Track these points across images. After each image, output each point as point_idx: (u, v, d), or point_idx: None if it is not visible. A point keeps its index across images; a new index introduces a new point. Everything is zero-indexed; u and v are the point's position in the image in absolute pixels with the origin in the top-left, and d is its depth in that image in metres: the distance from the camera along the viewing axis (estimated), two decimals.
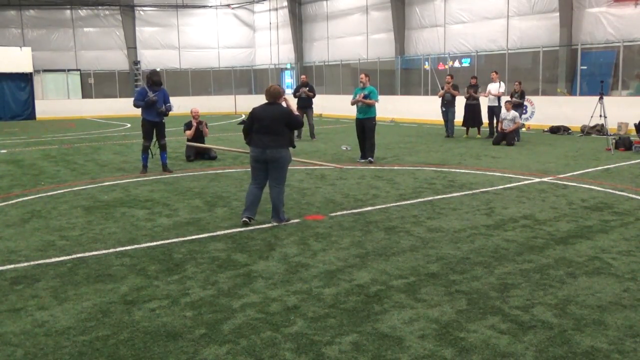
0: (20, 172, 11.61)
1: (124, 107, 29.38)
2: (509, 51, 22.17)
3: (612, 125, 16.35)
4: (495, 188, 9.00)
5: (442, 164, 11.69)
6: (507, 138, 14.77)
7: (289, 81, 35.45)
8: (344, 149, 14.43)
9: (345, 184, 9.54)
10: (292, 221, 7.09)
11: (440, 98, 17.46)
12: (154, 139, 11.04)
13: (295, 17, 33.39)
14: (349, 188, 9.20)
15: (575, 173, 10.32)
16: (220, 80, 35.67)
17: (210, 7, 36.32)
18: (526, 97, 17.62)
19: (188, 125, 13.15)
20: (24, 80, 30.80)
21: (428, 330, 3.94)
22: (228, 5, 36.35)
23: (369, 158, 12.20)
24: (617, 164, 11.30)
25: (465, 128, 17.35)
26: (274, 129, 6.72)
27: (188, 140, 12.74)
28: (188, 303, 4.52)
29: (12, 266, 5.53)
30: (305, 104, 17.27)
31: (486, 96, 16.50)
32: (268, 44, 35.98)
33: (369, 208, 7.77)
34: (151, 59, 34.64)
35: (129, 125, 24.68)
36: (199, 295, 4.67)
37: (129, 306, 4.48)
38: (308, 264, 5.44)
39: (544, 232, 6.41)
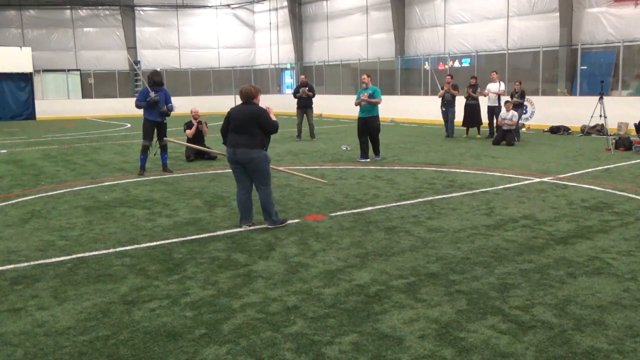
0: (20, 172, 11.61)
1: (124, 107, 29.41)
2: (509, 51, 22.18)
3: (612, 125, 16.34)
4: (495, 188, 9.00)
5: (442, 164, 11.69)
6: (507, 138, 14.76)
7: (289, 81, 35.46)
8: (344, 149, 14.44)
9: (345, 184, 9.54)
10: (292, 221, 7.09)
11: (440, 98, 17.47)
12: (155, 139, 11.04)
13: (295, 17, 33.40)
14: (349, 188, 9.20)
15: (575, 173, 10.32)
16: (220, 80, 35.68)
17: (210, 7, 36.33)
18: (526, 97, 17.61)
19: (188, 125, 13.15)
20: (24, 80, 30.82)
21: (428, 330, 3.94)
22: (228, 5, 36.36)
23: (376, 157, 12.38)
24: (617, 164, 11.30)
25: (465, 128, 17.35)
26: (245, 129, 6.59)
27: (188, 140, 12.74)
28: (188, 303, 4.52)
29: (12, 266, 5.53)
30: (305, 104, 17.27)
31: (485, 95, 16.50)
32: (268, 44, 35.99)
33: (369, 208, 7.77)
34: (151, 59, 34.65)
35: (129, 125, 24.68)
36: (199, 295, 4.67)
37: (129, 306, 4.48)
38: (308, 264, 5.44)
39: (544, 232, 6.41)
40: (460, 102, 17.38)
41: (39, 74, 31.57)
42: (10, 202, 8.60)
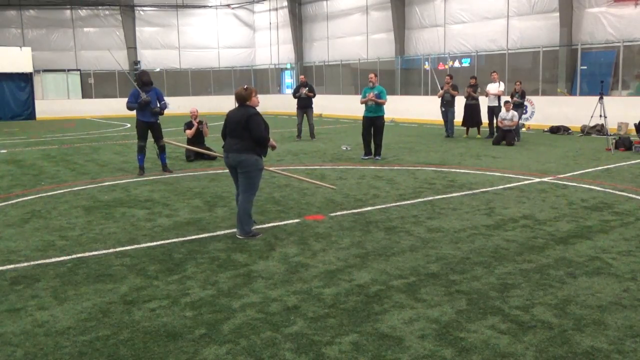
0: (20, 172, 11.61)
1: (124, 107, 29.29)
2: (509, 51, 22.18)
3: (612, 125, 16.35)
4: (495, 188, 9.00)
5: (442, 164, 11.69)
6: (507, 138, 14.76)
7: (289, 81, 35.46)
8: (344, 149, 14.44)
9: (345, 184, 9.54)
10: (292, 221, 7.09)
11: (440, 98, 17.47)
12: (152, 140, 11.05)
13: (295, 17, 33.40)
14: (349, 188, 9.20)
15: (575, 173, 10.32)
16: (220, 80, 35.68)
17: (210, 7, 36.34)
18: (526, 97, 17.61)
19: (189, 125, 13.15)
20: (24, 80, 30.82)
21: (428, 330, 3.94)
22: (228, 5, 36.37)
23: (377, 157, 12.49)
24: (617, 164, 11.30)
25: (465, 128, 17.35)
26: (236, 132, 6.40)
27: (188, 140, 12.75)
28: (188, 303, 4.52)
29: (12, 266, 5.53)
30: (306, 104, 17.27)
31: (485, 96, 16.50)
32: (268, 44, 35.99)
33: (369, 208, 7.77)
34: (151, 59, 34.66)
35: (128, 125, 24.67)
36: (199, 295, 4.67)
37: (129, 306, 4.48)
38: (308, 264, 5.44)
39: (544, 232, 6.41)
40: (460, 102, 17.38)
41: (39, 74, 31.57)
42: (10, 202, 8.60)
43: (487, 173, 10.49)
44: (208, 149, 12.07)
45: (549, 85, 21.21)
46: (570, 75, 20.28)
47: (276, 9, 34.89)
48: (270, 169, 8.44)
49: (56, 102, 31.89)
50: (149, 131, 10.94)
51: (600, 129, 16.28)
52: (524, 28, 21.83)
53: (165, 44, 35.49)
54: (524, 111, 18.21)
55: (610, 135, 14.55)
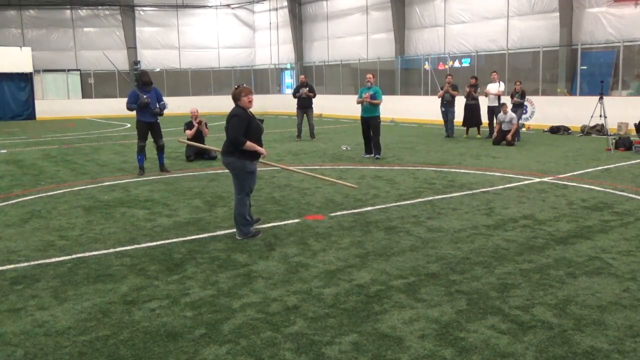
0: (20, 172, 11.61)
1: (124, 107, 29.30)
2: (509, 51, 22.17)
3: (612, 125, 16.34)
4: (495, 188, 9.00)
5: (442, 164, 11.69)
6: (507, 138, 14.75)
7: (289, 81, 35.46)
8: (344, 149, 14.44)
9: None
10: (292, 221, 7.09)
11: (440, 98, 17.47)
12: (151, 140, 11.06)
13: (295, 17, 33.40)
14: (348, 188, 9.19)
15: (575, 173, 10.32)
16: (220, 80, 35.67)
17: (210, 7, 36.33)
18: (526, 97, 17.60)
19: (189, 125, 13.16)
20: (24, 80, 30.81)
21: (428, 330, 3.94)
22: (228, 5, 36.36)
23: (377, 155, 12.61)
24: (617, 164, 11.30)
25: (465, 128, 17.35)
26: (225, 132, 6.31)
27: (188, 139, 12.75)
28: (188, 303, 4.52)
29: (12, 266, 5.53)
30: (306, 104, 17.28)
31: (485, 96, 16.50)
32: (268, 44, 35.99)
33: (369, 208, 7.77)
34: (151, 59, 34.65)
35: (129, 125, 24.67)
36: (199, 295, 4.67)
37: (129, 306, 4.48)
38: (308, 264, 5.44)
39: (544, 232, 6.41)
40: (460, 102, 17.38)
41: (39, 74, 31.56)
42: (10, 202, 8.60)
43: (487, 173, 10.49)
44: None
45: (549, 85, 21.20)
46: (570, 75, 20.28)
47: (276, 9, 34.89)
48: (290, 168, 8.47)
49: (56, 102, 31.88)
50: (149, 131, 10.95)
51: (600, 129, 16.28)
52: (524, 28, 21.82)
53: (165, 44, 35.48)
54: (524, 111, 18.21)
55: (610, 135, 14.55)
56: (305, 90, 17.24)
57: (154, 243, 6.25)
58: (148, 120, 10.86)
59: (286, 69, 35.19)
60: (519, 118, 16.40)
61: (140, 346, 3.80)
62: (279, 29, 34.91)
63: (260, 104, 28.12)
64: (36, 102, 31.11)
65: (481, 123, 16.96)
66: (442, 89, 17.57)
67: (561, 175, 10.08)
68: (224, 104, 33.41)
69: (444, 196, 8.42)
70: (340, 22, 30.73)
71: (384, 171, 10.92)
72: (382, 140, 12.91)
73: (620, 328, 3.93)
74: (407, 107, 24.53)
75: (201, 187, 9.58)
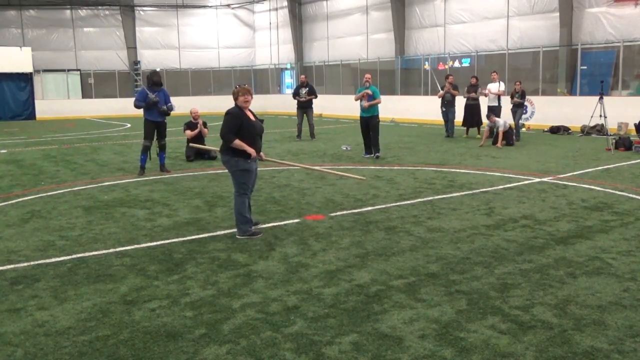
0: (20, 172, 11.61)
1: (124, 107, 29.40)
2: (509, 51, 22.17)
3: (612, 125, 16.34)
4: (495, 188, 9.00)
5: (442, 164, 11.69)
6: (505, 137, 14.73)
7: (289, 81, 35.46)
8: (344, 149, 14.44)
9: (345, 184, 9.54)
10: (292, 221, 7.09)
11: (440, 98, 17.47)
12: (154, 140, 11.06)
13: (295, 17, 33.40)
14: (349, 188, 9.19)
15: (575, 173, 10.32)
16: (220, 80, 35.67)
17: (210, 7, 36.33)
18: (526, 97, 17.60)
19: (189, 125, 13.17)
20: (24, 80, 30.81)
21: (428, 330, 3.94)
22: (228, 5, 36.36)
23: (377, 154, 12.73)
24: (617, 164, 11.30)
25: (465, 128, 17.35)
26: None
27: (188, 140, 12.75)
28: (188, 303, 4.52)
29: (12, 266, 5.53)
30: (306, 104, 17.29)
31: (486, 95, 16.49)
32: (268, 44, 35.99)
33: (369, 208, 7.77)
34: (151, 59, 34.65)
35: (129, 125, 24.68)
36: (199, 295, 4.67)
37: (129, 306, 4.48)
38: (308, 264, 5.44)
39: (544, 232, 6.41)
40: (460, 102, 17.38)
41: (39, 74, 31.56)
42: (10, 202, 8.60)
43: (487, 173, 10.49)
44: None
45: (549, 85, 21.20)
46: (570, 75, 20.28)
47: (276, 9, 34.88)
48: (294, 164, 8.51)
49: (56, 102, 31.88)
50: (156, 130, 10.95)
51: (600, 129, 16.27)
52: (524, 28, 21.82)
53: (165, 44, 35.48)
54: (524, 111, 18.20)
55: (610, 135, 14.54)
56: (305, 90, 17.25)
57: (154, 243, 6.25)
58: (155, 119, 10.86)
59: (286, 69, 35.19)
60: (519, 118, 16.41)
61: (140, 346, 3.80)
62: (279, 29, 34.91)
63: (260, 104, 28.13)
64: (36, 102, 31.12)
65: (481, 123, 16.94)
66: (442, 89, 17.57)
67: (561, 175, 10.08)
68: (224, 104, 33.19)
69: (444, 196, 8.42)
70: (340, 22, 30.73)
71: (384, 171, 10.92)
72: (382, 141, 12.94)
73: (620, 328, 3.93)
74: (407, 107, 24.53)
75: (201, 187, 9.58)
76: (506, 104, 16.62)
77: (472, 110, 16.79)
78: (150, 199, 8.63)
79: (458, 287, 4.76)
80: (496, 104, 16.20)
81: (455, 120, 17.26)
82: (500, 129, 14.46)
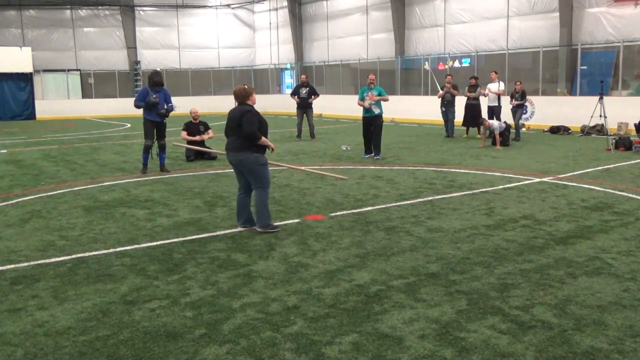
0: (20, 172, 11.61)
1: (124, 107, 29.42)
2: (509, 51, 22.17)
3: (612, 125, 16.34)
4: (495, 188, 9.00)
5: (442, 164, 11.69)
6: (503, 138, 14.71)
7: (289, 81, 35.46)
8: (344, 149, 14.44)
9: (345, 184, 9.54)
10: (292, 221, 7.09)
11: (440, 98, 17.47)
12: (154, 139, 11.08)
13: (295, 17, 33.39)
14: (349, 188, 9.19)
15: (575, 173, 10.32)
16: (220, 80, 35.68)
17: (210, 7, 36.33)
18: (526, 97, 17.60)
19: (188, 125, 13.23)
20: (24, 80, 30.82)
21: (428, 330, 3.94)
22: (228, 5, 36.36)
23: (376, 156, 12.59)
24: (617, 164, 11.30)
25: (465, 128, 17.35)
26: (233, 131, 6.48)
27: (187, 142, 12.81)
28: (188, 303, 4.52)
29: (12, 266, 5.53)
30: (306, 104, 17.29)
31: (485, 95, 16.49)
32: (268, 44, 35.99)
33: (369, 208, 7.77)
34: (151, 59, 34.65)
35: (129, 125, 24.68)
36: (199, 295, 4.67)
37: (129, 306, 4.48)
38: (308, 264, 5.44)
39: (544, 232, 6.41)
40: (460, 102, 17.38)
41: (39, 74, 31.57)
42: (10, 202, 8.60)
43: (487, 173, 10.49)
44: (208, 148, 12.13)
45: (549, 85, 21.20)
46: (570, 75, 20.27)
47: (276, 9, 34.88)
48: (286, 165, 8.56)
49: (56, 102, 31.89)
50: (156, 130, 10.97)
51: (600, 129, 16.27)
52: (524, 28, 21.81)
53: (165, 44, 35.48)
54: (524, 111, 18.20)
55: (610, 135, 14.54)
56: (305, 90, 17.24)
57: (154, 243, 6.25)
58: (154, 119, 10.88)
59: (286, 69, 35.19)
60: (519, 118, 16.42)
61: (140, 346, 3.80)
62: (279, 29, 34.91)
63: (261, 104, 27.80)
64: (36, 102, 31.12)
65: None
66: (442, 89, 17.57)
67: (561, 175, 10.08)
68: (224, 104, 33.40)
69: (444, 196, 8.42)
70: (340, 22, 30.73)
71: (384, 171, 10.92)
72: (382, 140, 12.91)
73: (620, 328, 3.93)
74: (407, 107, 24.52)
75: (201, 187, 9.58)
76: (506, 103, 16.62)
77: (472, 110, 16.78)
78: (150, 199, 8.63)
79: (458, 287, 4.76)
80: (496, 104, 16.20)
81: (455, 120, 17.26)
82: (496, 132, 14.44)
